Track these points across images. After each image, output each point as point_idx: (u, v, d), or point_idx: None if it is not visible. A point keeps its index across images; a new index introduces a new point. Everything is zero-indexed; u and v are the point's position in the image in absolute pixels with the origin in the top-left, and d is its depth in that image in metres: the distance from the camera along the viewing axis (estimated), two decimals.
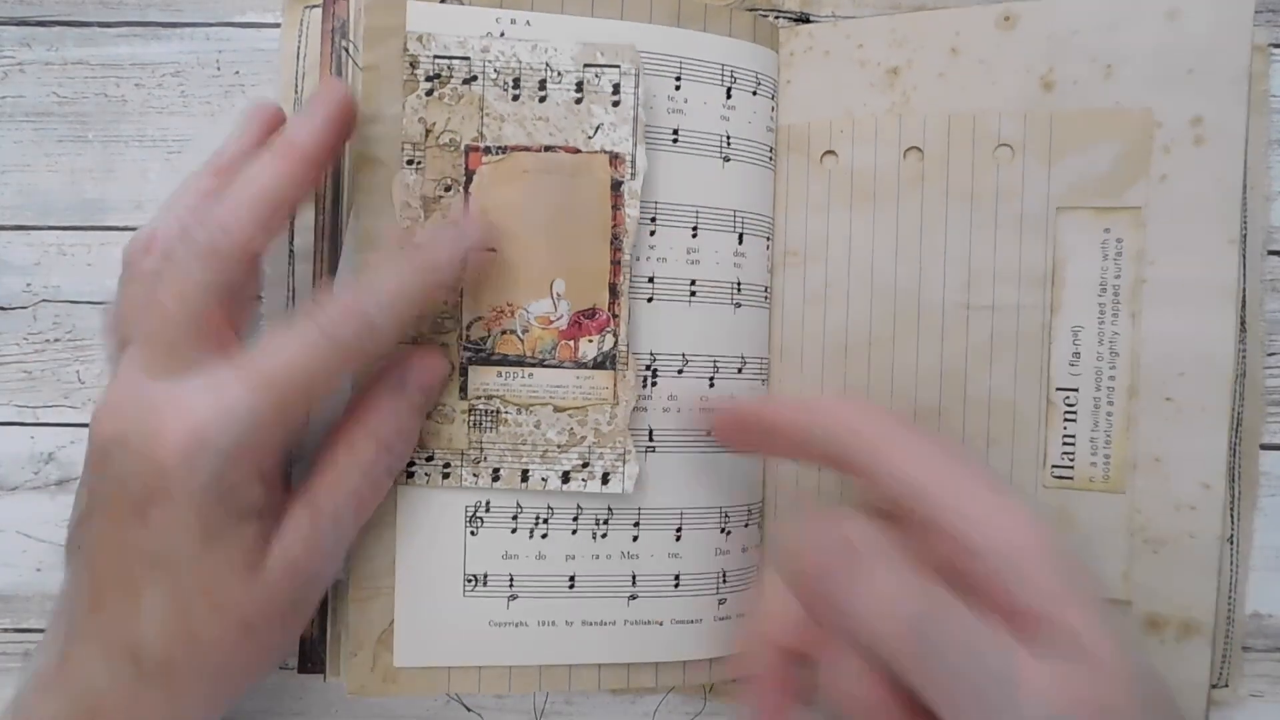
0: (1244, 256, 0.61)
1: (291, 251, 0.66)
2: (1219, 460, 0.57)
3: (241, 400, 0.48)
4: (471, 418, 0.61)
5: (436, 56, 0.59)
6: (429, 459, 0.61)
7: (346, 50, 0.63)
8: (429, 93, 0.59)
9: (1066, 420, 0.59)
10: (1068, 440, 0.59)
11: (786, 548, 0.48)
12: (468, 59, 0.60)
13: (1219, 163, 0.57)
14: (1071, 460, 0.59)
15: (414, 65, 0.59)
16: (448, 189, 0.60)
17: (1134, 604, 0.58)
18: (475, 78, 0.60)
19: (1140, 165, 0.58)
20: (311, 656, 0.63)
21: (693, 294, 0.63)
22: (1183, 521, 0.57)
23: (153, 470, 0.48)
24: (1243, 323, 0.61)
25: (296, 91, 0.66)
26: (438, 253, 0.55)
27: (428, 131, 0.59)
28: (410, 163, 0.59)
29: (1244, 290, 0.61)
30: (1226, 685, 0.62)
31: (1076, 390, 0.59)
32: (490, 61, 0.60)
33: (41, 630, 0.63)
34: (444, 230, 0.57)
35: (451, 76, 0.59)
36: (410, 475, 0.60)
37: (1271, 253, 0.63)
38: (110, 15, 0.67)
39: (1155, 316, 0.58)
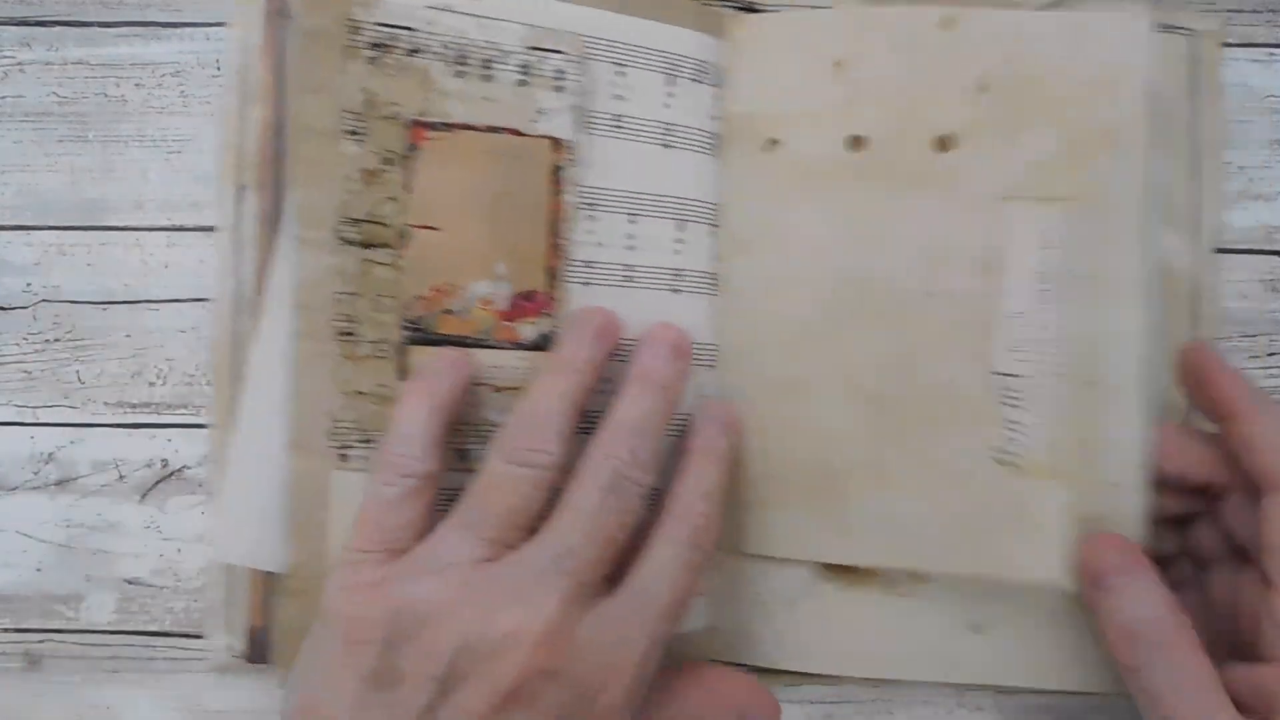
0: (1197, 254, 0.58)
1: (239, 240, 0.57)
2: (1140, 441, 0.52)
3: (660, 635, 0.46)
4: None
5: (380, 24, 0.52)
6: (365, 442, 0.53)
7: (289, 30, 0.56)
8: (372, 61, 0.52)
9: (1010, 406, 0.53)
10: (1011, 426, 0.53)
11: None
12: (413, 29, 0.52)
13: (1131, 165, 0.52)
14: (1015, 447, 0.53)
15: (357, 31, 0.51)
16: (389, 163, 0.52)
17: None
18: (420, 49, 0.52)
19: (1079, 152, 0.52)
20: (259, 646, 0.56)
21: (629, 279, 0.56)
22: (1115, 498, 0.52)
23: (594, 707, 0.44)
24: (1194, 308, 0.58)
25: (244, 79, 0.58)
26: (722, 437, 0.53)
27: (370, 102, 0.52)
28: (351, 133, 0.52)
29: (1196, 280, 0.58)
30: None
31: (1019, 376, 0.53)
32: (436, 35, 0.52)
33: (40, 630, 0.58)
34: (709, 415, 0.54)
35: (396, 46, 0.52)
36: (345, 458, 0.52)
37: (1273, 252, 0.60)
38: (110, 15, 0.60)
39: (1081, 304, 0.53)
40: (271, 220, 0.56)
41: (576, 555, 0.45)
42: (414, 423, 0.48)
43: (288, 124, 0.56)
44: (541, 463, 0.47)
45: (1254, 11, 0.60)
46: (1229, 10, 0.61)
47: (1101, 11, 0.54)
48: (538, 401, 0.48)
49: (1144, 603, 0.48)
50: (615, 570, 0.47)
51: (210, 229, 0.59)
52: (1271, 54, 0.61)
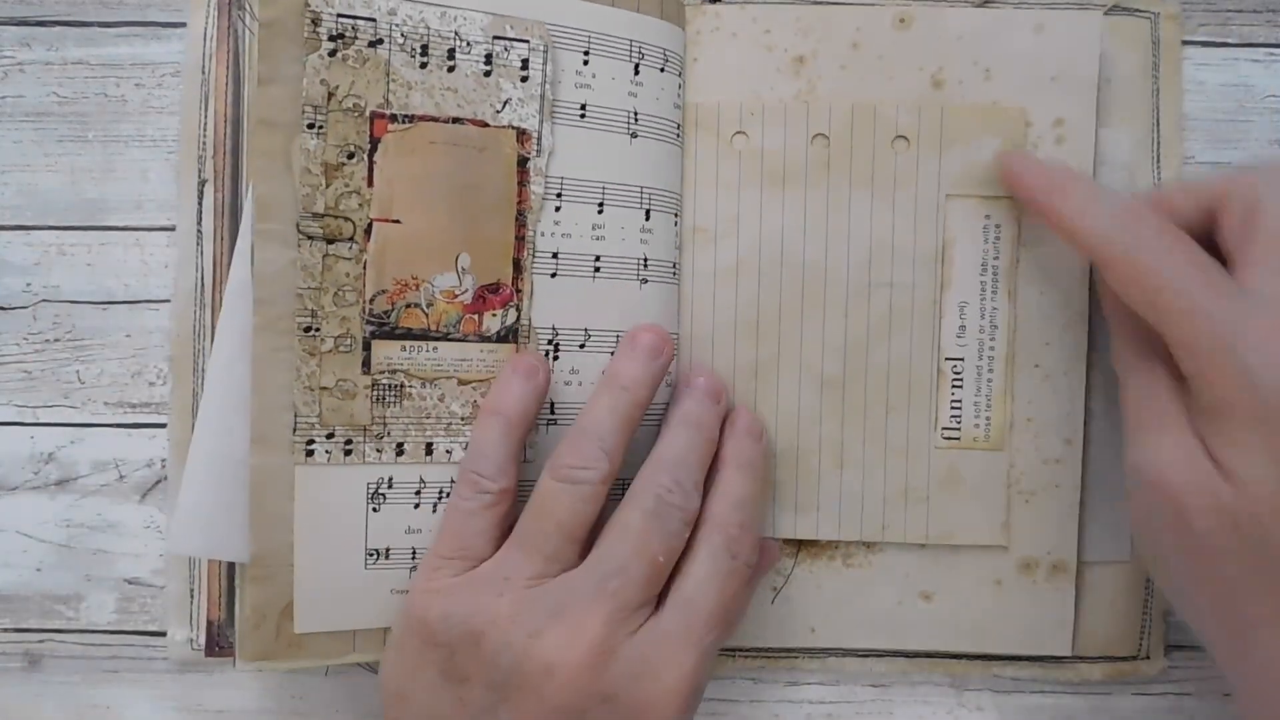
0: None
1: (200, 232, 0.54)
2: (1079, 419, 0.55)
3: (709, 646, 0.45)
4: (374, 393, 0.49)
5: (340, 15, 0.47)
6: (329, 436, 0.49)
7: (244, 22, 0.53)
8: (332, 53, 0.48)
9: (954, 387, 0.55)
10: (955, 405, 0.55)
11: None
12: (374, 20, 0.48)
13: (1076, 159, 0.54)
14: (958, 423, 0.55)
15: (316, 23, 0.47)
16: (351, 156, 0.48)
17: (1010, 549, 0.56)
18: (381, 40, 0.48)
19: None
20: (220, 640, 0.54)
21: (597, 270, 0.52)
22: (1050, 474, 0.55)
23: None
24: None
25: (203, 73, 0.55)
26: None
27: (330, 94, 0.48)
28: (311, 126, 0.48)
29: None
30: (1148, 657, 0.56)
31: (962, 359, 0.55)
32: (398, 25, 0.48)
33: (40, 630, 0.55)
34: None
35: (356, 37, 0.48)
36: (310, 454, 0.49)
37: None
38: (110, 15, 0.56)
39: (1026, 293, 0.55)
40: (229, 214, 0.53)
41: (620, 576, 0.44)
42: (488, 441, 0.48)
43: (245, 118, 0.53)
44: (586, 478, 0.46)
45: (1254, 11, 0.57)
46: (1229, 10, 0.57)
47: (1057, 9, 0.55)
48: (586, 419, 0.48)
49: (1102, 196, 0.47)
50: (661, 594, 0.46)
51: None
52: (1271, 54, 0.57)
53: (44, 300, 0.56)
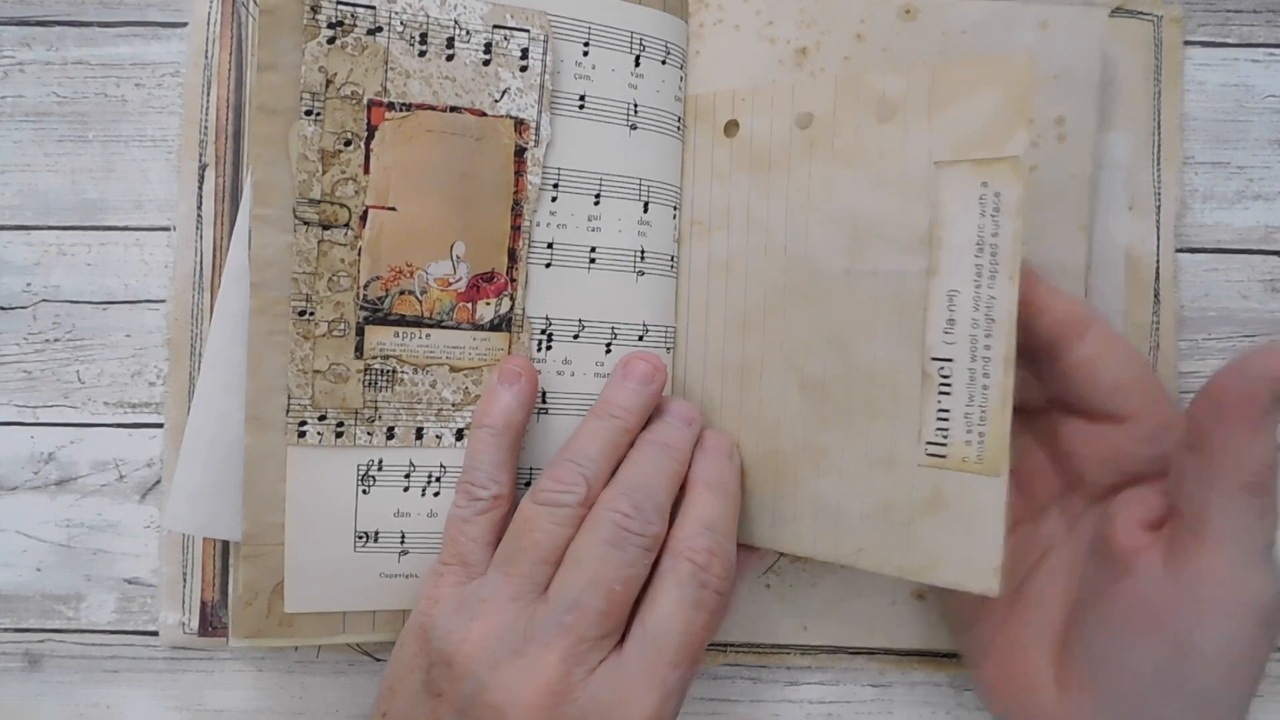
0: (1159, 240, 0.55)
1: (200, 216, 0.54)
2: None
3: (672, 684, 0.44)
4: (367, 377, 0.49)
5: (340, 3, 0.47)
6: (321, 418, 0.49)
7: (246, 8, 0.53)
8: (330, 41, 0.47)
9: (941, 393, 0.45)
10: (942, 415, 0.45)
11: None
12: (373, 8, 0.48)
13: (1075, 158, 0.52)
14: (945, 437, 0.45)
15: (315, 10, 0.47)
16: (348, 143, 0.48)
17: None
18: (380, 29, 0.48)
19: (1020, 112, 0.44)
20: (213, 621, 0.54)
21: (592, 261, 0.51)
22: None
23: None
24: (1156, 294, 0.55)
25: (206, 57, 0.55)
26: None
27: (328, 82, 0.47)
28: (309, 113, 0.47)
29: (1158, 265, 0.55)
30: None
31: (951, 360, 0.45)
32: (397, 14, 0.48)
33: (40, 630, 0.55)
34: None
35: (355, 25, 0.47)
36: (302, 435, 0.48)
37: (1273, 252, 0.56)
38: (110, 15, 0.56)
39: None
40: (230, 199, 0.53)
41: (575, 610, 0.43)
42: (477, 452, 0.48)
43: (246, 104, 0.53)
44: (563, 501, 0.46)
45: (1254, 11, 0.56)
46: (1229, 10, 0.56)
47: (1062, 6, 0.53)
48: (570, 444, 0.48)
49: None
50: (626, 623, 0.45)
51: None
52: (1271, 54, 0.56)
53: (44, 300, 0.56)
